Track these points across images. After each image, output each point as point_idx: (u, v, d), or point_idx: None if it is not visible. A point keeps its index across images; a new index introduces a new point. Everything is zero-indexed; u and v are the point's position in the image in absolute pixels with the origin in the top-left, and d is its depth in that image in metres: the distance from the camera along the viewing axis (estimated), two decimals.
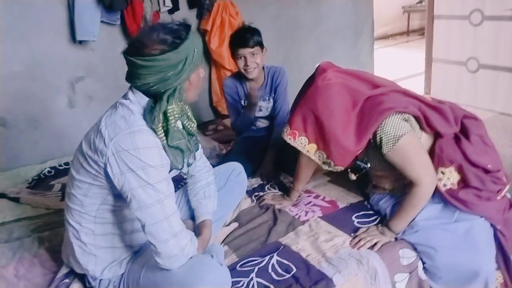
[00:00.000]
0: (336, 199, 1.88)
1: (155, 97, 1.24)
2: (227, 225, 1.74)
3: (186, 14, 3.12)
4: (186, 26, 1.25)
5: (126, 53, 1.21)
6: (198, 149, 1.50)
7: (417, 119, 1.56)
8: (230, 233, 1.71)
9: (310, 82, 1.57)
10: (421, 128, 1.58)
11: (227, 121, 3.16)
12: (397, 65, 5.82)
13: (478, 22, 3.61)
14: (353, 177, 1.64)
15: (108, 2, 2.60)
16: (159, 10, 2.93)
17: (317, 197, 1.92)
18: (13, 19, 2.50)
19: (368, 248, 1.53)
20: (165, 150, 1.26)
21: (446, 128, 1.59)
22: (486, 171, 1.56)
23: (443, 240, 1.50)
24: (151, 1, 2.81)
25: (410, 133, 1.50)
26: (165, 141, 1.25)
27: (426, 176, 1.51)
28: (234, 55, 2.17)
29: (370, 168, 1.60)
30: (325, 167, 1.59)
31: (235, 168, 1.80)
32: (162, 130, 1.24)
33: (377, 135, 1.50)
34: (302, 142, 1.57)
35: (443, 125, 1.59)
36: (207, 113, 3.45)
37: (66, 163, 2.57)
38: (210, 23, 3.11)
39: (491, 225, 1.53)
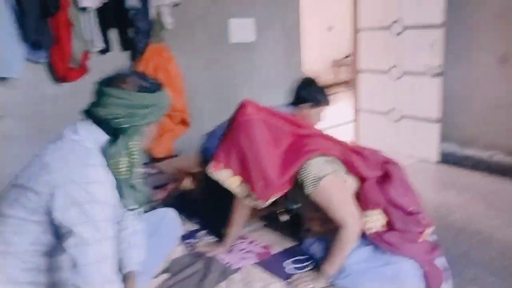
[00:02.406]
0: (270, 245, 1.85)
1: (114, 133, 1.23)
2: (156, 277, 1.63)
3: (119, 55, 3.07)
4: (160, 83, 1.33)
5: (101, 84, 1.23)
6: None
7: (343, 162, 1.62)
8: (160, 285, 1.59)
9: (232, 117, 1.60)
10: (347, 171, 1.63)
11: (160, 165, 3.06)
12: (328, 114, 6.10)
13: (398, 76, 3.95)
14: (284, 217, 1.64)
15: (34, 39, 2.47)
16: (89, 50, 2.84)
17: (251, 242, 1.87)
18: None
19: None
20: (119, 189, 1.22)
21: (369, 172, 1.66)
22: (409, 213, 1.62)
23: (372, 284, 1.51)
24: (80, 40, 2.73)
25: (332, 174, 1.54)
26: (126, 176, 1.22)
27: (350, 218, 1.54)
28: None
29: (300, 209, 1.61)
30: (247, 202, 1.58)
31: (168, 215, 1.72)
32: (126, 165, 1.22)
33: (300, 176, 1.53)
34: (227, 174, 1.56)
35: (365, 169, 1.65)
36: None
37: None
38: (143, 66, 3.07)
39: (420, 267, 1.58)
